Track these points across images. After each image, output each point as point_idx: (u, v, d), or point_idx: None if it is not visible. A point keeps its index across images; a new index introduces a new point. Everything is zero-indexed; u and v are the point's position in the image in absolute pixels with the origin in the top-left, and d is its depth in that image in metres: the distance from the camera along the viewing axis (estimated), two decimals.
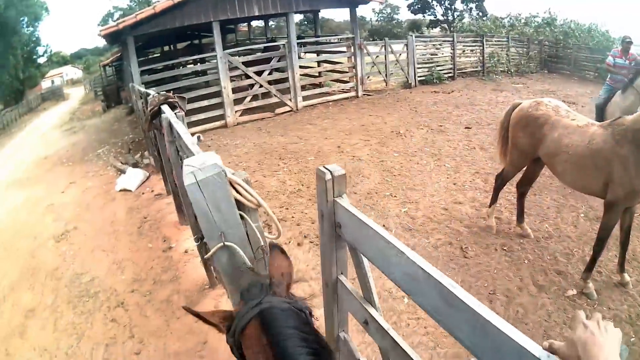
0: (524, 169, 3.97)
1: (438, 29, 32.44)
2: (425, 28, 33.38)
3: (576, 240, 3.98)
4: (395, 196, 4.87)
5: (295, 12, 9.72)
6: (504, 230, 4.15)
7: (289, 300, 0.96)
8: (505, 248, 3.84)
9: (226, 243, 1.35)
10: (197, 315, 0.99)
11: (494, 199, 4.17)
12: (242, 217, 1.37)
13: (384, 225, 4.14)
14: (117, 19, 18.71)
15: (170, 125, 3.10)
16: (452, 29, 30.40)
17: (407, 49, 11.65)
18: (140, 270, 3.98)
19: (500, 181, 4.09)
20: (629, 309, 3.18)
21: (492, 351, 0.82)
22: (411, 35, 12.32)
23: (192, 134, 2.48)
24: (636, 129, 2.89)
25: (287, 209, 4.73)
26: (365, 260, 1.45)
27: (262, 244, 1.42)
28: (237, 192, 1.36)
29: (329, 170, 1.35)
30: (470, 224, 4.25)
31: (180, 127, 2.82)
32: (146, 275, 3.87)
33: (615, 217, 3.17)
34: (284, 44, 9.14)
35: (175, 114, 3.37)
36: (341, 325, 1.74)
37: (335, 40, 11.21)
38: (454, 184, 5.21)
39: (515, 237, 4.01)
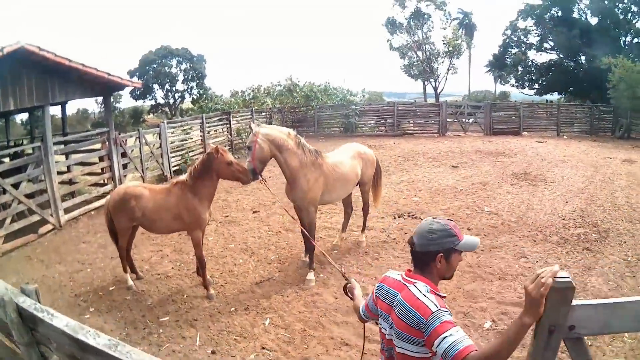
0: None
1: (153, 114, 31.66)
2: (147, 114, 31.87)
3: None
4: None
5: (51, 105, 7.81)
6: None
7: None
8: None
9: None
10: None
11: None
12: None
13: None
14: None
15: None
16: (173, 112, 29.24)
17: (160, 138, 11.14)
18: None
19: None
20: None
21: None
22: (163, 122, 11.95)
23: None
24: None
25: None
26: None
27: None
28: None
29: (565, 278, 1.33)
30: None
31: None
32: None
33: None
34: (38, 146, 7.11)
35: None
36: None
37: (91, 137, 9.51)
38: None
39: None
